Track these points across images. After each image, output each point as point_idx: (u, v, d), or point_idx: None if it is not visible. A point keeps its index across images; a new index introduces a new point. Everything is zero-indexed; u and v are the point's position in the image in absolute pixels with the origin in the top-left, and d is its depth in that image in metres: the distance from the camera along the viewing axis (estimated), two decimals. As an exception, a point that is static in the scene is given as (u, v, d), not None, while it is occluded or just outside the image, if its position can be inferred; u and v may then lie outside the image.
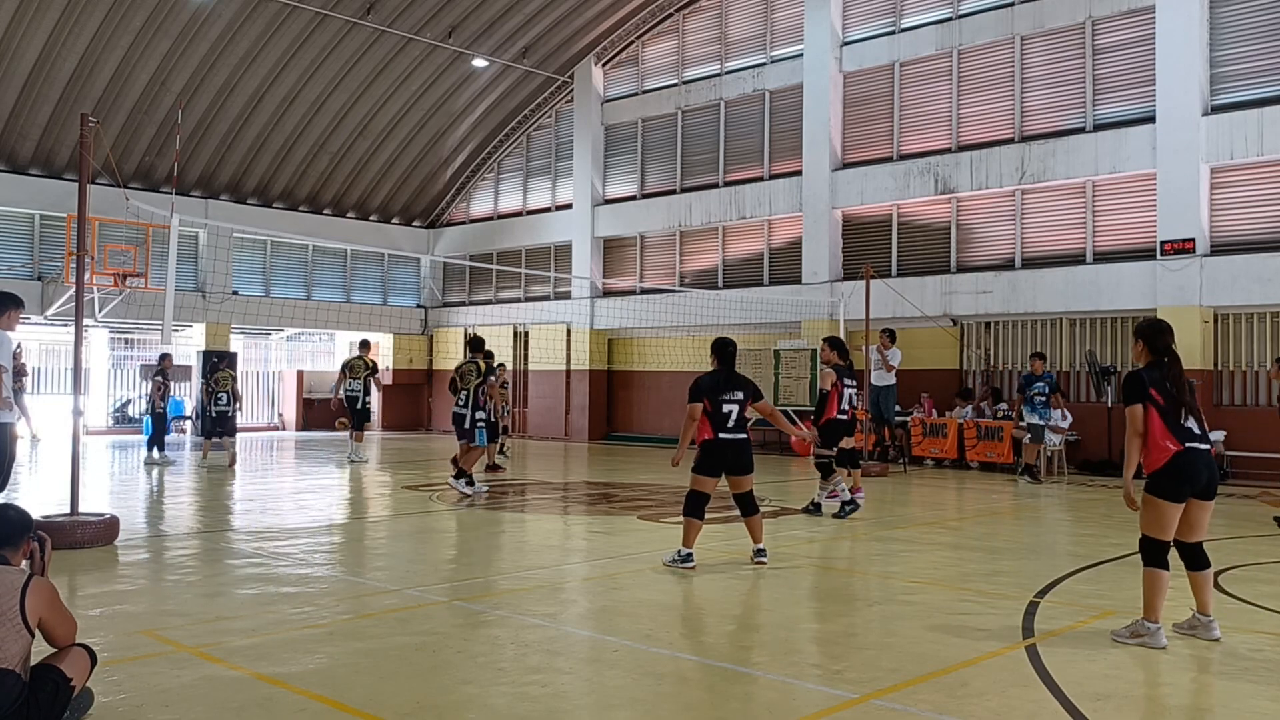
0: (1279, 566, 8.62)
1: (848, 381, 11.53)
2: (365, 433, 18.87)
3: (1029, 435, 15.79)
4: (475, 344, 13.62)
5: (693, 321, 22.09)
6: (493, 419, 16.84)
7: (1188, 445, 5.73)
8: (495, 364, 17.39)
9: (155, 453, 17.18)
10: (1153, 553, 5.82)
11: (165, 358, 17.80)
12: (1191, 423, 5.80)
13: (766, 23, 22.64)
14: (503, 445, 17.57)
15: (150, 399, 17.75)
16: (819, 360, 16.15)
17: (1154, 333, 6.06)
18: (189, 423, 25.67)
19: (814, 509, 11.46)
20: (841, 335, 19.19)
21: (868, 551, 9.39)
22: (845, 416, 11.48)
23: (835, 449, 11.44)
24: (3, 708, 3.91)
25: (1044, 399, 15.49)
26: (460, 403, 13.03)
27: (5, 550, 4.20)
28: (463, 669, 5.27)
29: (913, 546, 9.45)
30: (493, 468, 16.47)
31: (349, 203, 28.20)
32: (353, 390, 17.91)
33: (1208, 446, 5.86)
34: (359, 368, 17.95)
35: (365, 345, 18.58)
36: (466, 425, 12.91)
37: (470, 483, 12.83)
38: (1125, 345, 17.68)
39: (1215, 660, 5.57)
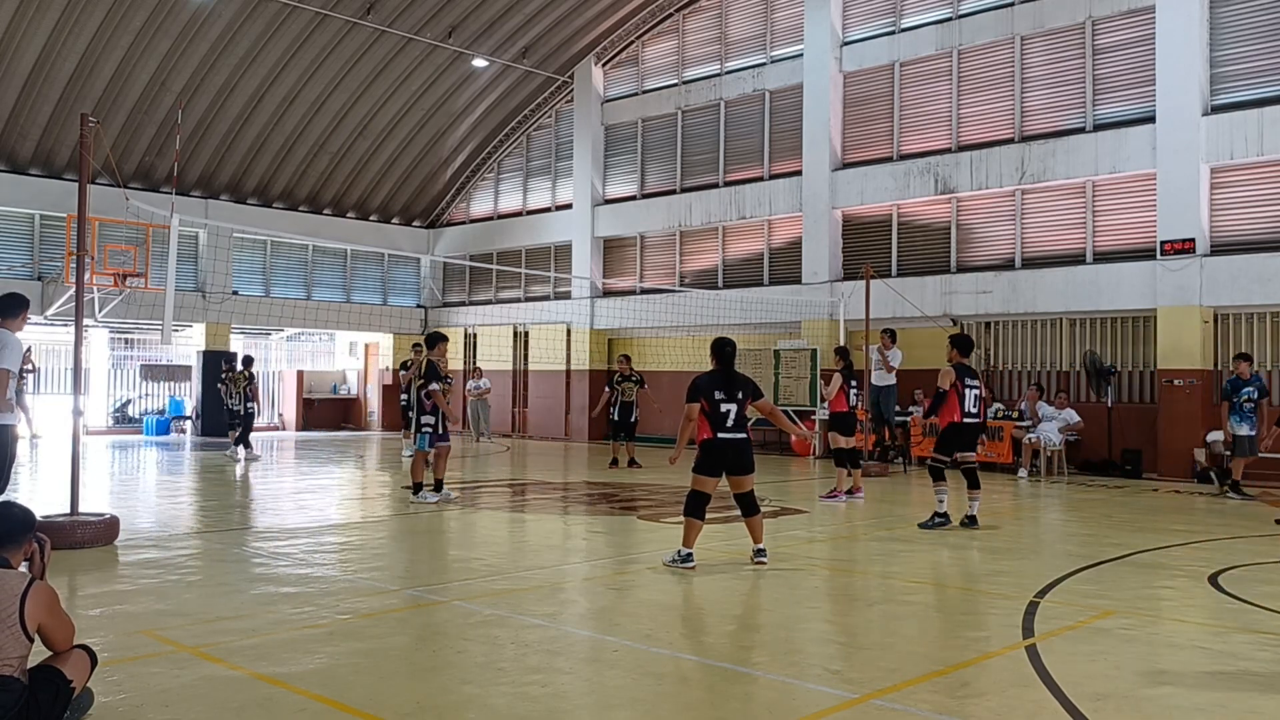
0: (1279, 566, 8.62)
1: (969, 381, 10.37)
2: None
3: (1231, 448, 14.11)
4: (428, 340, 12.27)
5: (693, 321, 22.09)
6: (633, 419, 17.32)
7: None
8: (630, 366, 17.57)
9: (241, 449, 17.81)
10: None
11: (250, 361, 18.68)
12: None
13: (766, 23, 22.64)
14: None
15: (242, 397, 18.20)
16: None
17: None
18: (188, 423, 25.81)
19: (970, 522, 10.41)
20: (842, 336, 19.25)
21: (868, 551, 9.39)
22: (974, 419, 10.43)
23: (960, 454, 10.50)
24: (4, 711, 3.91)
25: (1253, 405, 13.87)
26: (405, 403, 12.32)
27: (7, 549, 4.17)
28: (463, 669, 5.28)
29: (913, 546, 9.45)
30: (633, 463, 17.12)
31: (349, 203, 28.20)
32: (403, 400, 16.31)
33: None
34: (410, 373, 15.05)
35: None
36: (412, 429, 11.99)
37: (417, 490, 12.13)
38: (1125, 345, 17.68)
39: (1215, 661, 5.57)
